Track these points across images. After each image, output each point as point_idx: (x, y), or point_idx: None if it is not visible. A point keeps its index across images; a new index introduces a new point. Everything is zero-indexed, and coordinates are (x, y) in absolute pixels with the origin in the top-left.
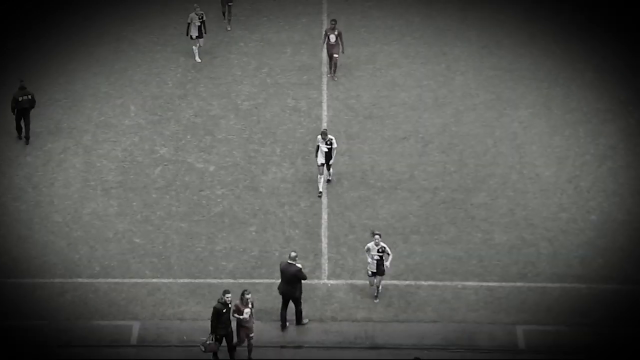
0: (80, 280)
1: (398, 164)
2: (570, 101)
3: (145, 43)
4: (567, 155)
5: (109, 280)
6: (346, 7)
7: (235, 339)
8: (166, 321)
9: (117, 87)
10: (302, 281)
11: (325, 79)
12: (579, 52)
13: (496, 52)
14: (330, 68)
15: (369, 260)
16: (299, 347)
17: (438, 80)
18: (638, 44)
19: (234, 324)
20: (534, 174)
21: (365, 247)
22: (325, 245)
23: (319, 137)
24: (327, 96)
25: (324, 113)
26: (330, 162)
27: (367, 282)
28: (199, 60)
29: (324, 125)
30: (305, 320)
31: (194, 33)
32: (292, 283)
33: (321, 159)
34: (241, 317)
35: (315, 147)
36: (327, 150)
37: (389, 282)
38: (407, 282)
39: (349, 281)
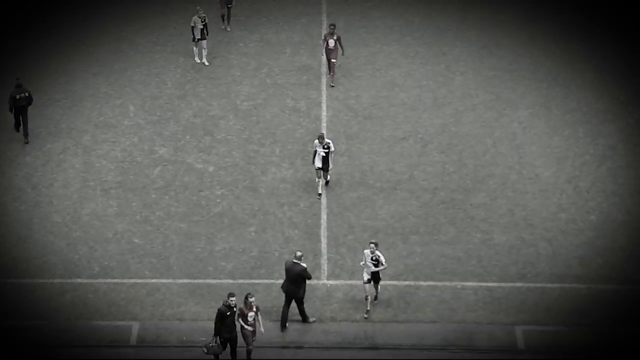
0: (79, 280)
1: (397, 164)
2: (569, 101)
3: (144, 43)
4: (567, 155)
5: (109, 280)
6: (346, 7)
7: (245, 344)
8: (165, 321)
9: (117, 88)
10: (307, 281)
11: (324, 80)
12: (579, 52)
13: (496, 52)
14: (330, 70)
15: (364, 264)
16: (299, 347)
17: (437, 81)
18: (638, 44)
19: (238, 327)
20: (534, 174)
21: (363, 254)
22: (325, 246)
23: (316, 141)
24: (326, 96)
25: (324, 113)
26: (330, 168)
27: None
28: (207, 63)
29: (323, 126)
30: (312, 319)
31: (197, 35)
32: (296, 282)
33: (318, 163)
34: (247, 325)
35: (313, 152)
36: (324, 154)
37: (388, 282)
38: (407, 283)
39: (349, 281)
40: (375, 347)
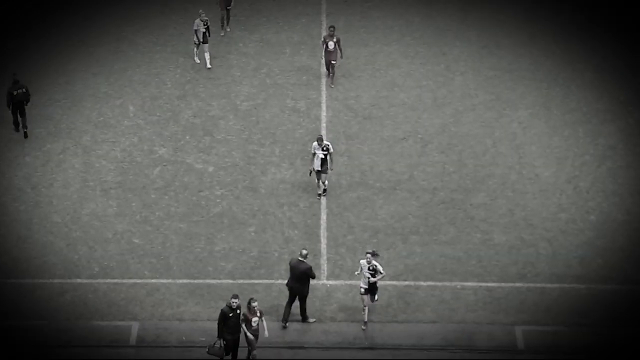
0: (79, 280)
1: (397, 164)
2: (569, 101)
3: (144, 43)
4: (567, 155)
5: (108, 280)
6: (345, 7)
7: (248, 348)
8: (165, 321)
9: (117, 88)
10: (311, 280)
11: (324, 80)
12: (579, 52)
13: (496, 52)
14: (329, 72)
15: (356, 273)
16: (299, 347)
17: (437, 81)
18: (638, 44)
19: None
20: (533, 174)
21: (360, 261)
22: (324, 246)
23: (315, 143)
24: (326, 97)
25: (323, 113)
26: (329, 169)
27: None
28: (209, 66)
29: (323, 126)
30: (311, 319)
31: (200, 39)
32: (301, 280)
33: (317, 166)
34: (249, 333)
35: (312, 154)
36: (323, 156)
37: (388, 282)
38: (406, 283)
39: (348, 282)
40: (375, 347)
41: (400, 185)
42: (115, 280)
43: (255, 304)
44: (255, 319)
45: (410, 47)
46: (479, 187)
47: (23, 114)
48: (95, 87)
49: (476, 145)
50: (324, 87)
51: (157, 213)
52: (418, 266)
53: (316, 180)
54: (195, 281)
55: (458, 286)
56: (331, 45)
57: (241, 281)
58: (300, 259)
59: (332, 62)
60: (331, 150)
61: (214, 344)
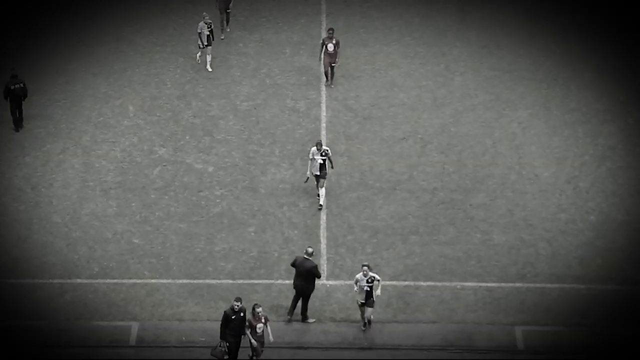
0: (79, 280)
1: (397, 164)
2: (569, 101)
3: (144, 44)
4: (566, 155)
5: (108, 280)
6: (345, 7)
7: (251, 353)
8: (165, 322)
9: (116, 88)
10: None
11: (324, 80)
12: (579, 52)
13: (495, 52)
14: (327, 78)
15: (356, 289)
16: (299, 347)
17: (437, 81)
18: (638, 44)
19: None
20: (533, 174)
21: (354, 279)
22: (324, 246)
23: (314, 148)
24: (326, 97)
25: (323, 114)
26: (330, 168)
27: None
28: (210, 69)
29: (323, 127)
30: (311, 320)
31: (204, 42)
32: (306, 279)
33: (316, 171)
34: (254, 339)
35: (309, 160)
36: (322, 161)
37: (388, 282)
38: (406, 283)
39: (348, 282)
40: (374, 348)
41: (400, 185)
42: (115, 281)
43: (259, 309)
44: (260, 325)
45: (409, 47)
46: (479, 188)
47: (20, 109)
48: (95, 87)
49: (476, 145)
50: (323, 87)
51: (157, 213)
52: (418, 266)
53: (315, 185)
54: (195, 281)
55: (458, 286)
56: (330, 47)
57: (241, 281)
58: (305, 256)
59: (332, 64)
60: (330, 154)
61: (217, 346)
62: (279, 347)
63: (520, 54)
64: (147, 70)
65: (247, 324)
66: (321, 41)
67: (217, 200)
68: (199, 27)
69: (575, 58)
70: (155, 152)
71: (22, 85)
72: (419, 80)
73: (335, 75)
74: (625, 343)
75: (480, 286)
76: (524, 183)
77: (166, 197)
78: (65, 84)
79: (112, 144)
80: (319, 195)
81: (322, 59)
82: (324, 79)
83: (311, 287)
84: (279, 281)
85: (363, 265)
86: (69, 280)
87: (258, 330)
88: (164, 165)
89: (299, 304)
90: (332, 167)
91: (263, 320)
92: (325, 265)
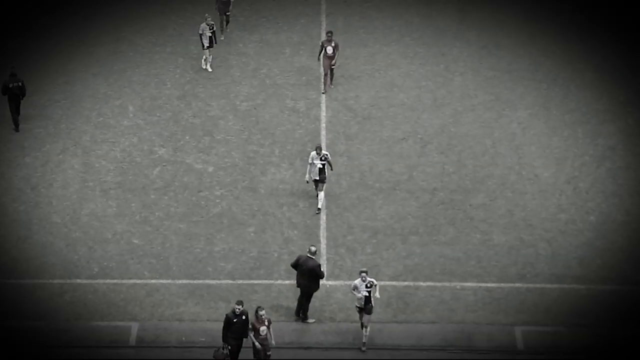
0: (79, 281)
1: (397, 164)
2: (569, 102)
3: (144, 44)
4: (566, 156)
5: (108, 281)
6: (345, 7)
7: (254, 356)
8: (165, 322)
9: (116, 88)
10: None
11: (322, 85)
12: (579, 52)
13: (495, 52)
14: (325, 83)
15: (358, 295)
16: (299, 347)
17: (437, 81)
18: (638, 44)
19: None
20: (533, 174)
21: (352, 285)
22: (324, 246)
23: (313, 153)
24: (325, 97)
25: (323, 114)
26: (330, 171)
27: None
28: (210, 70)
29: (322, 127)
30: (311, 320)
31: (205, 43)
32: (309, 277)
33: (315, 176)
34: (257, 342)
35: (308, 164)
36: (321, 166)
37: (387, 283)
38: (406, 283)
39: (348, 282)
40: (374, 348)
41: (400, 185)
42: (115, 281)
43: (263, 312)
44: (263, 328)
45: (409, 48)
46: (479, 188)
47: (17, 108)
48: (95, 88)
49: (475, 145)
50: (323, 88)
51: (156, 213)
52: (417, 267)
53: (314, 189)
54: (195, 281)
55: (457, 287)
56: (329, 50)
57: (241, 281)
58: (309, 255)
59: (332, 67)
60: (329, 158)
61: (219, 348)
62: (279, 347)
63: (520, 54)
64: (147, 70)
65: (250, 326)
66: (320, 44)
67: (217, 201)
68: (201, 28)
69: (575, 58)
70: (155, 152)
71: (20, 84)
72: (418, 80)
73: (335, 75)
74: (625, 343)
75: (480, 286)
76: (524, 183)
77: (166, 197)
78: (65, 84)
79: (112, 144)
80: (319, 210)
81: (322, 62)
82: (322, 85)
83: (314, 286)
84: (279, 281)
85: (361, 272)
86: (68, 281)
87: (261, 333)
88: (164, 166)
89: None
90: (331, 169)
91: (266, 323)
92: (325, 266)
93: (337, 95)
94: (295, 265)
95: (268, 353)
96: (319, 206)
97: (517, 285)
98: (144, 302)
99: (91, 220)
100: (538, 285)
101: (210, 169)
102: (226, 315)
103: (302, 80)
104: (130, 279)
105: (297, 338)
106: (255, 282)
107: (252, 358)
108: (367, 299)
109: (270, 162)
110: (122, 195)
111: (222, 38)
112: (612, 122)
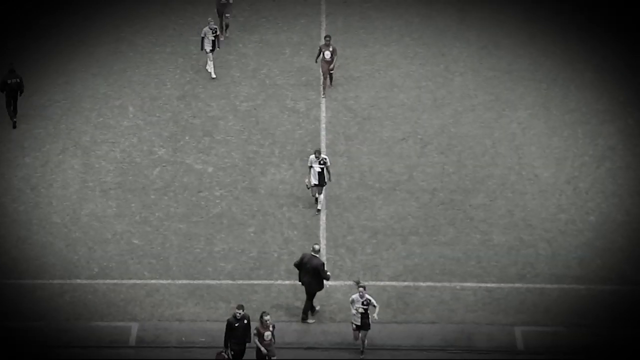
0: (79, 281)
1: (397, 165)
2: (569, 102)
3: (144, 44)
4: (566, 156)
5: (108, 281)
6: (345, 8)
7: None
8: (165, 322)
9: (116, 88)
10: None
11: (321, 89)
12: (579, 52)
13: (495, 52)
14: (324, 87)
15: (353, 311)
16: (298, 347)
17: (437, 81)
18: (638, 44)
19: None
20: (533, 175)
21: (350, 299)
22: (324, 247)
23: (312, 156)
24: (325, 97)
25: (323, 114)
26: (328, 181)
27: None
28: (214, 76)
29: (322, 127)
30: (311, 320)
31: (208, 47)
32: (313, 276)
33: (314, 180)
34: (262, 347)
35: (308, 168)
36: (320, 170)
37: (387, 283)
38: (406, 283)
39: (348, 282)
40: (374, 348)
41: (400, 185)
42: (115, 281)
43: (267, 317)
44: (267, 333)
45: (409, 48)
46: (479, 188)
47: (15, 104)
48: (95, 88)
49: (475, 145)
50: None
51: (156, 214)
52: (417, 267)
53: (313, 195)
54: (195, 282)
55: (457, 287)
56: (327, 54)
57: (240, 282)
58: (313, 253)
59: (330, 71)
60: (328, 163)
61: (221, 351)
62: (279, 347)
63: (519, 54)
64: (147, 70)
65: (255, 331)
66: (318, 48)
67: (217, 201)
68: (203, 32)
69: (575, 58)
70: (154, 152)
71: (18, 80)
72: (418, 80)
73: (335, 75)
74: (625, 343)
75: (480, 286)
76: (524, 183)
77: (166, 197)
78: (65, 84)
79: (112, 144)
80: (316, 201)
81: (321, 66)
82: (321, 89)
83: (316, 285)
84: (279, 282)
85: (359, 286)
86: (68, 281)
87: (266, 339)
88: (164, 166)
89: (300, 305)
90: (329, 180)
91: (271, 329)
92: (325, 266)
93: (337, 96)
94: (300, 263)
95: (273, 358)
96: (319, 207)
97: (517, 285)
98: (144, 302)
99: (91, 221)
100: (538, 286)
101: (210, 170)
102: (227, 320)
103: (302, 81)
104: (130, 279)
105: (297, 338)
106: (255, 282)
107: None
108: (364, 315)
109: (270, 163)
110: (122, 195)
111: (222, 39)
112: (612, 122)
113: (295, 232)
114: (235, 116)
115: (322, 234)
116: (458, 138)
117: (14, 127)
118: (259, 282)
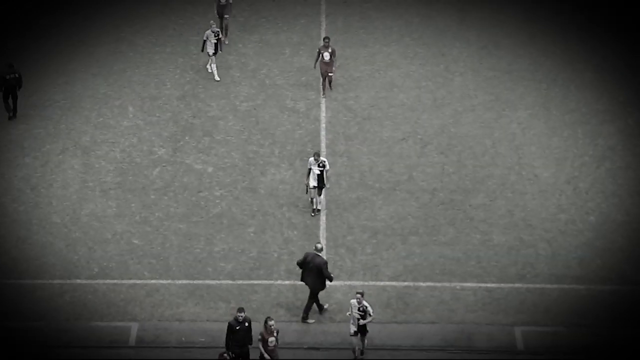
0: (79, 281)
1: (397, 165)
2: (569, 102)
3: (144, 44)
4: (566, 156)
5: (108, 281)
6: (345, 8)
7: None
8: (165, 322)
9: (116, 88)
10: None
11: (321, 90)
12: (579, 52)
13: (495, 52)
14: (324, 88)
15: (351, 315)
16: (298, 347)
17: (437, 81)
18: (638, 44)
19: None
20: (533, 175)
21: (350, 304)
22: (324, 247)
23: (311, 159)
24: (325, 97)
25: (323, 114)
26: (327, 185)
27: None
28: (218, 79)
29: (322, 127)
30: (311, 320)
31: (210, 50)
32: (316, 274)
33: (313, 182)
34: (266, 354)
35: (307, 170)
36: (319, 172)
37: (387, 283)
38: (406, 284)
39: (347, 282)
40: (374, 348)
41: (400, 186)
42: (115, 281)
43: (272, 322)
44: (272, 338)
45: (409, 48)
46: (479, 188)
47: (14, 99)
48: (95, 88)
49: (475, 146)
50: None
51: (156, 214)
52: (417, 267)
53: (310, 198)
54: (195, 282)
55: (457, 287)
56: (327, 56)
57: (240, 282)
58: (316, 252)
59: (329, 74)
60: (327, 167)
61: (222, 353)
62: (278, 348)
63: (519, 54)
64: (147, 70)
65: (259, 337)
66: (317, 50)
67: (217, 201)
68: (205, 35)
69: (575, 58)
70: (154, 152)
71: (17, 75)
72: (418, 80)
73: (335, 76)
74: (625, 343)
75: (480, 287)
76: (524, 183)
77: (166, 197)
78: (65, 85)
79: (112, 144)
80: (313, 212)
81: (320, 68)
82: (321, 89)
83: (318, 284)
84: (279, 282)
85: (357, 292)
86: (68, 281)
87: (270, 344)
88: (164, 166)
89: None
90: (327, 186)
91: (275, 334)
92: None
93: (336, 96)
94: (303, 262)
95: None
96: (318, 207)
97: (517, 285)
98: (144, 303)
99: (91, 221)
100: (538, 286)
101: (210, 170)
102: (229, 323)
103: (302, 81)
104: (130, 279)
105: (297, 338)
106: (255, 282)
107: None
108: (362, 327)
109: (270, 163)
110: (122, 195)
111: (226, 42)
112: (611, 122)
113: (295, 232)
114: (235, 116)
115: (322, 234)
116: (458, 138)
117: (9, 118)
118: (259, 282)
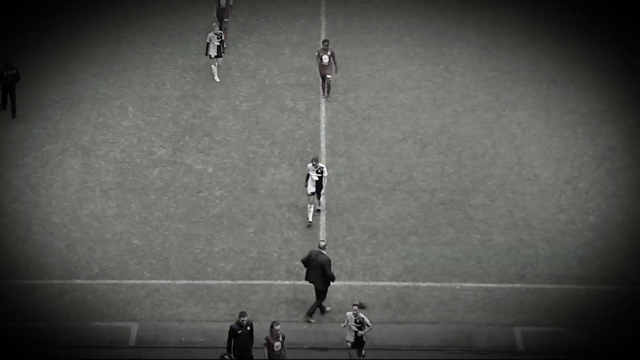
0: (78, 281)
1: (396, 165)
2: (569, 102)
3: (144, 44)
4: (566, 156)
5: (108, 281)
6: (344, 8)
7: None
8: (164, 322)
9: (116, 89)
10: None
11: (322, 85)
12: (579, 52)
13: (495, 53)
14: (324, 89)
15: (347, 328)
16: (298, 347)
17: (437, 81)
18: (638, 44)
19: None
20: (533, 175)
21: (346, 316)
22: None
23: (310, 164)
24: (325, 98)
25: (322, 114)
26: (322, 191)
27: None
28: (218, 80)
29: (322, 128)
30: (311, 320)
31: (213, 52)
32: (319, 272)
33: (311, 188)
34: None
35: (306, 175)
36: (317, 178)
37: (387, 283)
38: (406, 284)
39: (347, 282)
40: (374, 348)
41: (400, 186)
42: (115, 281)
43: (278, 327)
44: (277, 343)
45: (409, 48)
46: (478, 188)
47: (13, 95)
48: (95, 88)
49: (475, 146)
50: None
51: (156, 214)
52: (417, 267)
53: (308, 205)
54: (195, 282)
55: (457, 287)
56: (325, 59)
57: (240, 282)
58: (320, 250)
59: (328, 76)
60: (325, 173)
61: (223, 355)
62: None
63: (519, 54)
64: (147, 71)
65: (264, 342)
66: (316, 53)
67: (217, 201)
68: (208, 37)
69: (575, 58)
70: (154, 152)
71: (14, 71)
72: (418, 80)
73: (335, 76)
74: (625, 343)
75: (480, 287)
76: (524, 184)
77: (166, 197)
78: (65, 85)
79: (112, 144)
80: (309, 223)
81: (319, 70)
82: (321, 89)
83: (320, 280)
84: (279, 282)
85: (353, 305)
86: (68, 281)
87: (275, 349)
88: (164, 166)
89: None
90: (323, 193)
91: (281, 339)
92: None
93: (336, 96)
94: (307, 260)
95: None
96: (318, 207)
97: (516, 285)
98: (144, 303)
99: (91, 221)
100: (538, 286)
101: (210, 170)
102: (230, 327)
103: (302, 81)
104: (130, 279)
105: (297, 338)
106: (255, 282)
107: None
108: (358, 339)
109: (269, 163)
110: (121, 195)
111: (225, 46)
112: (611, 122)
113: (295, 232)
114: (235, 116)
115: (322, 234)
116: (458, 138)
117: (3, 108)
118: (259, 282)
